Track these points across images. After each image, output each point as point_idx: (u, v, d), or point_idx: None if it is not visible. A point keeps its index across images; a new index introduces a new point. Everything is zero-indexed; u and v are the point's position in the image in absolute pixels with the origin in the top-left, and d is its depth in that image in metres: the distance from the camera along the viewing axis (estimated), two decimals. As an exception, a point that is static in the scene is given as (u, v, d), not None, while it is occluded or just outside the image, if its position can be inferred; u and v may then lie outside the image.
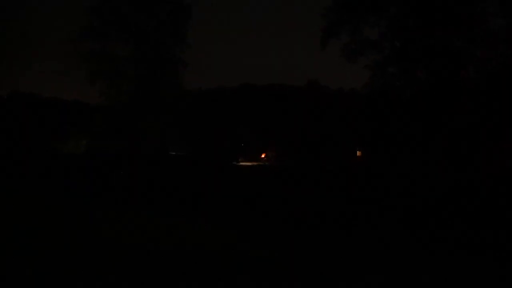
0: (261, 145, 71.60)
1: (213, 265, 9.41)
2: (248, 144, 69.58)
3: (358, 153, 40.83)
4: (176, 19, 42.97)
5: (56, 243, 11.38)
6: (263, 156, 71.83)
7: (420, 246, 10.72)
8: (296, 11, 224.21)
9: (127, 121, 42.11)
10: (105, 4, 40.73)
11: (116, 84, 42.13)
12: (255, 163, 65.22)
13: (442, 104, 32.01)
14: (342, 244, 11.07)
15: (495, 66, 31.69)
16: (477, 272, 8.83)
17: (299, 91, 77.28)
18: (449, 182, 24.11)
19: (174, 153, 63.55)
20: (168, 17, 42.82)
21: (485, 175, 25.68)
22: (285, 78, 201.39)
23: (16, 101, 44.39)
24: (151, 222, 14.55)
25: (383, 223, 13.63)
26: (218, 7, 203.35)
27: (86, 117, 43.97)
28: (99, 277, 8.32)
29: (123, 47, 41.87)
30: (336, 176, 29.77)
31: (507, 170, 24.40)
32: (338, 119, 55.32)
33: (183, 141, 67.09)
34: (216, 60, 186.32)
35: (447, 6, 31.98)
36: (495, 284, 8.39)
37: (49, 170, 35.85)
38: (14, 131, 41.99)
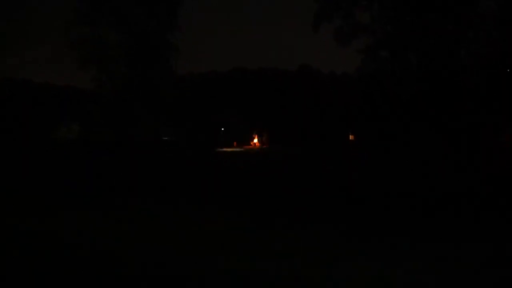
0: (253, 130, 71.62)
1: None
2: (240, 129, 69.54)
3: (351, 137, 41.08)
4: (167, 4, 42.74)
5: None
6: (255, 141, 71.88)
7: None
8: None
9: (119, 107, 41.98)
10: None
11: (107, 69, 42.00)
12: (247, 148, 65.31)
13: (432, 92, 32.36)
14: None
15: (487, 49, 32.00)
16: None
17: (291, 75, 77.16)
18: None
19: (166, 138, 63.47)
20: (159, 1, 42.57)
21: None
22: (277, 62, 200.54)
23: (8, 87, 44.00)
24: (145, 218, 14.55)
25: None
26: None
27: (79, 103, 43.78)
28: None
29: (115, 33, 41.68)
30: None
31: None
32: (330, 104, 55.38)
33: (175, 127, 67.04)
34: (208, 44, 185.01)
35: None
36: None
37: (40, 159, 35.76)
38: (6, 117, 41.69)
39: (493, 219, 13.12)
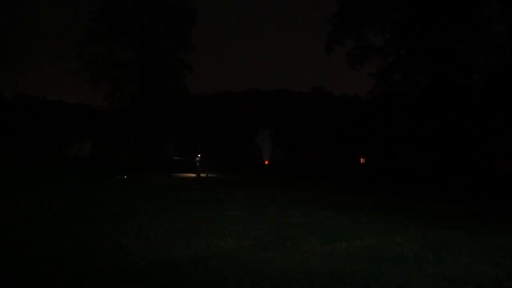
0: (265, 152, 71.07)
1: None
2: (253, 151, 69.08)
3: (362, 160, 40.65)
4: (181, 24, 43.00)
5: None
6: (266, 163, 71.44)
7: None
8: (302, 17, 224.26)
9: (131, 125, 42.09)
10: (110, 9, 40.85)
11: (120, 88, 42.24)
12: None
13: (446, 110, 32.21)
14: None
15: (498, 71, 31.98)
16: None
17: (304, 97, 77.24)
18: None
19: (177, 158, 63.09)
20: (173, 21, 42.87)
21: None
22: (290, 84, 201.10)
23: (21, 103, 44.43)
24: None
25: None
26: (224, 13, 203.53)
27: (91, 120, 44.01)
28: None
29: (127, 52, 41.98)
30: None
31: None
32: (342, 126, 55.06)
33: (188, 146, 66.90)
34: (221, 65, 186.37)
35: (452, 13, 32.09)
36: None
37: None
38: (18, 134, 41.96)
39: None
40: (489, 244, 8.84)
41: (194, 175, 24.97)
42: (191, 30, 43.95)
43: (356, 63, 37.71)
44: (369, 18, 36.75)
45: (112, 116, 42.60)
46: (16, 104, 45.66)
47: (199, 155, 25.98)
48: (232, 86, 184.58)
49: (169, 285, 5.70)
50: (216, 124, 69.83)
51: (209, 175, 24.63)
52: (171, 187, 18.95)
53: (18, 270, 6.18)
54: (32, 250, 7.24)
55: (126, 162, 38.32)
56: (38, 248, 7.38)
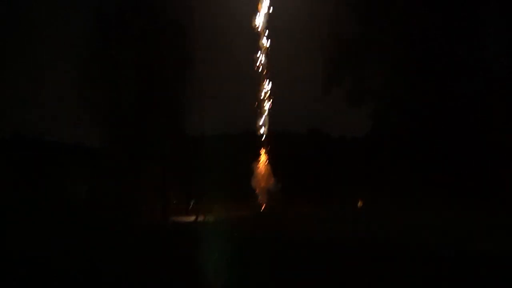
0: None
1: None
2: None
3: (360, 203, 40.23)
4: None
5: None
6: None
7: None
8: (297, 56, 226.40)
9: (127, 168, 41.59)
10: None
11: (118, 130, 42.01)
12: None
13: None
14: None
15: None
16: None
17: (300, 139, 76.77)
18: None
19: (175, 202, 62.03)
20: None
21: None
22: (285, 125, 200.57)
23: (17, 144, 44.05)
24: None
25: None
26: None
27: (88, 162, 43.63)
28: None
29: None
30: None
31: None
32: (340, 169, 54.68)
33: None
34: (219, 108, 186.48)
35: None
36: None
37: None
38: (12, 176, 41.38)
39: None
40: None
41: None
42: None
43: (354, 105, 37.84)
44: (365, 60, 37.02)
45: (110, 156, 42.33)
46: (11, 144, 45.37)
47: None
48: (229, 128, 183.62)
49: None
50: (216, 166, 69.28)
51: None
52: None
53: None
54: None
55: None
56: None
